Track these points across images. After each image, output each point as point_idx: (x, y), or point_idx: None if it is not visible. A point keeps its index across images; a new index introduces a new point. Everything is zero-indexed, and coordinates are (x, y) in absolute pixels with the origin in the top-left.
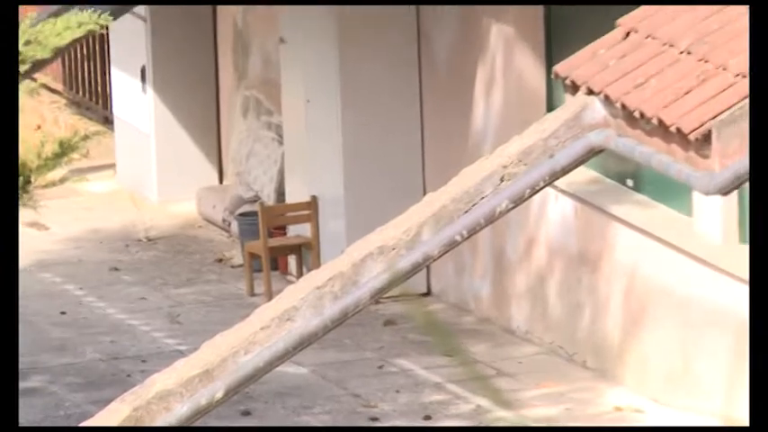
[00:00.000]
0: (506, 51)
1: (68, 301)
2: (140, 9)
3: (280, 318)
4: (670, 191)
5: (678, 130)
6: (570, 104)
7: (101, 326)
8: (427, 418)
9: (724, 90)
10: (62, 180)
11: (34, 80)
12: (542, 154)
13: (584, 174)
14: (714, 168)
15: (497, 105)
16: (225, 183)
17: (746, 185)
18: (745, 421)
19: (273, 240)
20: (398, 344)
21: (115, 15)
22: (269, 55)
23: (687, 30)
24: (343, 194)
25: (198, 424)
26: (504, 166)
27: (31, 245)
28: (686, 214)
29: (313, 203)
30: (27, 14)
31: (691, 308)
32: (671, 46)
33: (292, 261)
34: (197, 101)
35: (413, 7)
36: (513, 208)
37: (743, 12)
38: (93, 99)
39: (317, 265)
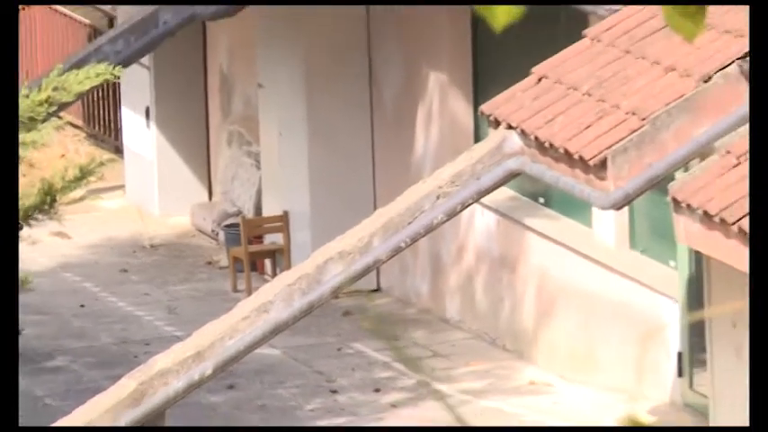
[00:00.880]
0: (441, 94)
1: (86, 296)
2: (145, 60)
3: (257, 310)
4: (573, 207)
5: (580, 157)
6: (493, 137)
7: (113, 316)
8: (377, 390)
9: (617, 125)
10: (82, 198)
11: (60, 118)
12: (470, 177)
13: (504, 192)
14: (609, 189)
15: (434, 138)
16: (213, 200)
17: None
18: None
19: (253, 247)
20: (354, 331)
21: (125, 65)
22: (249, 97)
23: (588, 76)
24: (309, 210)
25: (191, 397)
26: (440, 187)
27: (56, 250)
28: (586, 225)
29: (285, 217)
30: (55, 66)
31: (591, 301)
32: (574, 89)
33: (268, 264)
34: (190, 134)
35: (366, 59)
36: (446, 220)
37: (636, 59)
38: (107, 133)
39: (288, 266)
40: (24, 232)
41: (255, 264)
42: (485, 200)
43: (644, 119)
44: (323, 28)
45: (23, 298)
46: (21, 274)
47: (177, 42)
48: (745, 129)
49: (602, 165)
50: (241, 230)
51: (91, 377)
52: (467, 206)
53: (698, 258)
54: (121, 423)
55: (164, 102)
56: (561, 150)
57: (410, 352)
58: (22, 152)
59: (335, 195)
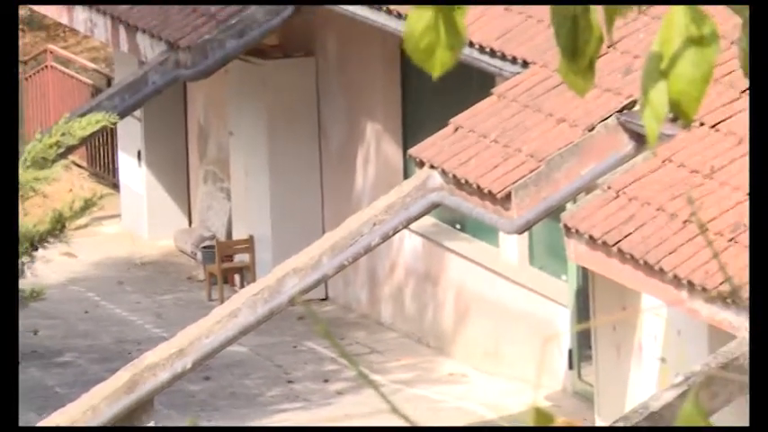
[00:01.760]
0: (376, 140)
1: (90, 304)
2: (137, 112)
3: (228, 315)
4: (484, 231)
5: (489, 192)
6: (419, 175)
7: (111, 320)
8: (326, 380)
9: (519, 166)
10: (86, 225)
11: (67, 159)
12: (400, 207)
13: (427, 220)
14: (513, 217)
15: (371, 176)
16: (192, 226)
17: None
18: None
19: (224, 264)
20: (306, 332)
21: (121, 117)
22: (221, 143)
23: (495, 126)
24: (270, 234)
25: (174, 386)
26: (376, 215)
27: (65, 267)
28: (495, 246)
29: (250, 240)
30: (63, 115)
31: (498, 308)
32: (484, 137)
33: (237, 278)
34: (174, 173)
35: (316, 112)
36: (381, 243)
37: (534, 112)
38: (106, 171)
39: (253, 280)
40: (39, 252)
41: (227, 278)
42: (412, 226)
43: (540, 161)
44: (281, 87)
45: (38, 306)
46: (36, 287)
47: (163, 99)
48: (624, 167)
49: (507, 198)
50: (215, 251)
51: (93, 370)
52: (397, 231)
53: (584, 273)
54: (118, 407)
55: (152, 146)
56: (474, 186)
57: (351, 349)
58: (36, 186)
59: (292, 222)
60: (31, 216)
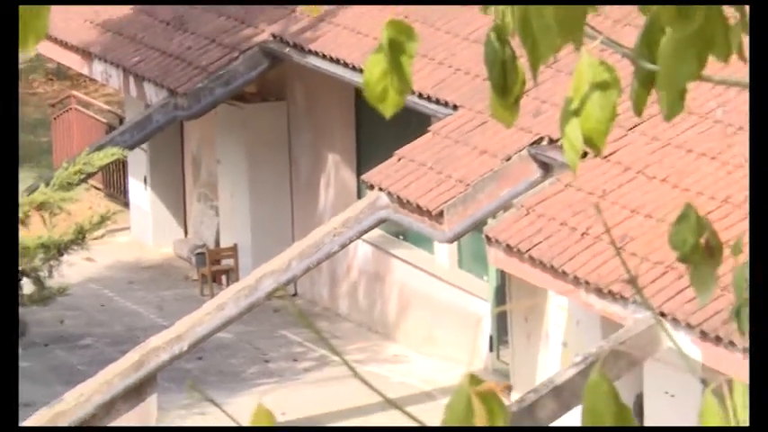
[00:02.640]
0: (335, 168)
1: (105, 299)
2: (144, 145)
3: (217, 308)
4: (422, 241)
5: (426, 209)
6: (369, 196)
7: (122, 312)
8: (295, 360)
9: (450, 189)
10: (102, 235)
11: (87, 183)
12: (355, 222)
13: (377, 232)
14: (445, 230)
15: (331, 197)
16: (188, 237)
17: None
18: (463, 362)
19: (214, 267)
20: (281, 322)
21: (131, 148)
22: (211, 170)
23: (430, 157)
24: (250, 243)
25: (173, 365)
26: (335, 228)
27: (86, 269)
28: (430, 253)
29: (234, 248)
30: (84, 148)
31: (433, 302)
32: (422, 165)
33: (224, 278)
34: (173, 194)
35: (287, 145)
36: (339, 250)
37: (462, 146)
38: (119, 193)
39: (237, 279)
40: (64, 257)
41: (215, 278)
42: (364, 236)
43: (467, 185)
44: (259, 126)
45: (63, 300)
46: (62, 285)
47: (164, 135)
48: (534, 190)
49: (440, 214)
50: (206, 256)
51: (108, 352)
52: (352, 241)
53: (502, 275)
54: (128, 382)
55: (156, 173)
56: (414, 205)
57: (316, 336)
58: (62, 205)
59: (268, 234)
60: (58, 228)
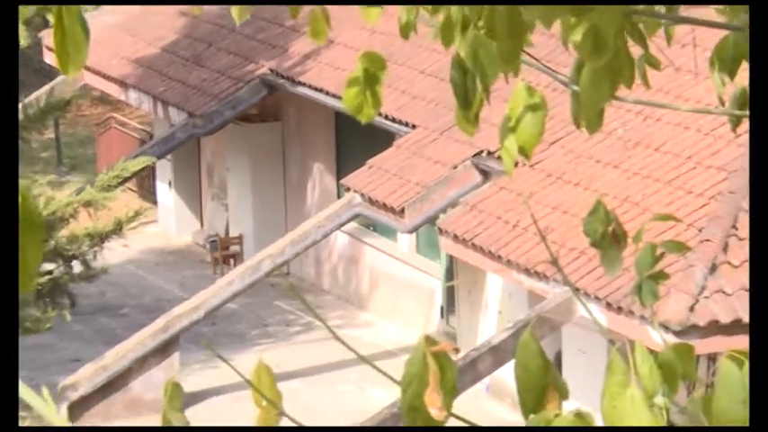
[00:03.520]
0: (319, 174)
1: (138, 277)
2: (169, 156)
3: (226, 284)
4: (388, 232)
5: (391, 207)
6: (346, 196)
7: (151, 287)
8: (288, 324)
9: (409, 191)
10: (135, 227)
11: (123, 186)
12: (335, 216)
13: (352, 224)
14: (406, 223)
15: (316, 196)
16: (203, 228)
17: (420, 229)
18: (420, 327)
19: (224, 252)
20: (277, 295)
21: (158, 158)
22: (222, 175)
23: (395, 165)
24: (252, 233)
25: (192, 329)
26: (319, 222)
27: (123, 254)
28: (394, 241)
29: (240, 237)
30: (121, 158)
31: (397, 280)
32: (388, 172)
33: (232, 261)
34: (192, 194)
35: (282, 156)
36: (323, 239)
37: (419, 157)
38: (149, 193)
39: (242, 261)
40: (106, 244)
41: (225, 260)
42: (343, 228)
43: (423, 187)
44: (259, 141)
45: (105, 277)
46: (103, 266)
47: (185, 148)
48: (475, 192)
49: (402, 211)
50: (218, 244)
51: (141, 319)
52: (333, 231)
53: (451, 258)
54: (157, 342)
55: (178, 177)
56: (381, 203)
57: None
58: (104, 203)
59: (267, 226)
60: (101, 221)
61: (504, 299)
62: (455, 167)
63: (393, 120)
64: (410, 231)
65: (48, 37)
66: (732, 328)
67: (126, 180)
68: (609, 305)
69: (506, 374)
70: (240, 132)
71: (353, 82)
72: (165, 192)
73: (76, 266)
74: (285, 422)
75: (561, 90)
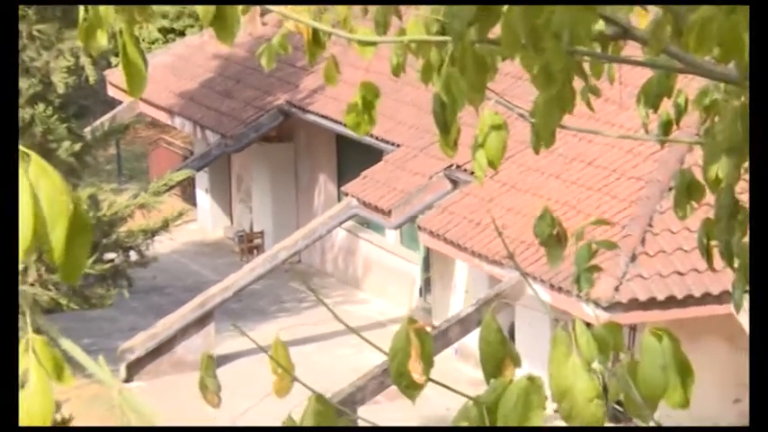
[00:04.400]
0: (324, 182)
1: (181, 265)
2: (206, 169)
3: (251, 269)
4: (378, 228)
5: (381, 209)
6: (345, 200)
7: (191, 272)
8: (300, 301)
9: (395, 196)
10: (179, 224)
11: (170, 192)
12: (337, 216)
13: (350, 223)
14: (392, 221)
15: (322, 200)
16: (233, 225)
17: (404, 226)
18: (404, 304)
19: (249, 244)
20: (291, 278)
21: (198, 170)
22: (248, 184)
23: (384, 176)
24: (272, 229)
25: (224, 305)
26: (324, 220)
27: (168, 245)
28: (383, 236)
29: (262, 233)
30: (168, 171)
31: (385, 268)
32: (378, 181)
33: (255, 251)
34: (224, 198)
35: (294, 168)
36: (327, 234)
37: (403, 170)
38: (190, 197)
39: (263, 252)
40: (156, 237)
41: (250, 251)
42: (342, 225)
43: (406, 194)
44: (277, 157)
45: (155, 264)
46: (154, 255)
47: (219, 162)
48: (447, 197)
49: (389, 212)
50: (244, 238)
51: (183, 297)
52: (335, 227)
53: (428, 250)
54: (195, 315)
55: (213, 186)
56: (374, 206)
57: (312, 286)
58: (155, 205)
59: (283, 224)
60: (152, 220)
61: (469, 281)
62: (431, 178)
63: (382, 140)
64: (396, 228)
65: (111, 74)
66: (648, 304)
67: (172, 187)
68: (552, 286)
69: (472, 341)
70: (262, 150)
71: (353, 106)
72: (203, 197)
73: (133, 255)
74: (297, 387)
75: (514, 117)
